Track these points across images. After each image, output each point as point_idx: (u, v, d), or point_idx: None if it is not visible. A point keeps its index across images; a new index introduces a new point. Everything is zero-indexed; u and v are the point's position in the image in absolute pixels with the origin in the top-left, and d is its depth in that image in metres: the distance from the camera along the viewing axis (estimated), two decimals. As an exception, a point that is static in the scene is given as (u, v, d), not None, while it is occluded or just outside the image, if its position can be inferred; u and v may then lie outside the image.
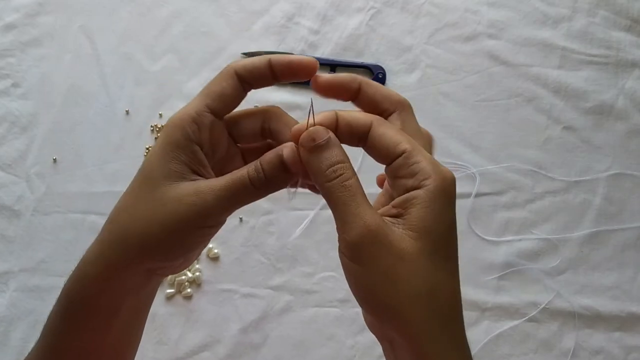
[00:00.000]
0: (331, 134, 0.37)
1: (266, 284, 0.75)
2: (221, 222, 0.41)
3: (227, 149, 0.42)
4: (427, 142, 0.41)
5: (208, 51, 0.82)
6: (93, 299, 0.41)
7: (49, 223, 0.77)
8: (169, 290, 0.73)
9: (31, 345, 0.75)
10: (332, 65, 0.81)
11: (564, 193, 0.78)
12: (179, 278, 0.73)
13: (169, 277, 0.73)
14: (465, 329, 0.76)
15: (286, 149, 0.38)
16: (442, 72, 0.81)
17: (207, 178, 0.39)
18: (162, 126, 0.80)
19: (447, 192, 0.35)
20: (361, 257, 0.35)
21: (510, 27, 0.83)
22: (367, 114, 0.39)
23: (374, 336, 0.77)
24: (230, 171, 0.40)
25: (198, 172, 0.39)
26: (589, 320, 0.74)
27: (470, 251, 0.76)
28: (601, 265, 0.76)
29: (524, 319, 0.74)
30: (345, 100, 0.42)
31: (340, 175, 0.36)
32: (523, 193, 0.78)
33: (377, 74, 0.80)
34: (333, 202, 0.36)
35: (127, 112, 0.80)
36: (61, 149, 0.79)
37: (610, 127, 0.80)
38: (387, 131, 0.37)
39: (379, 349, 0.72)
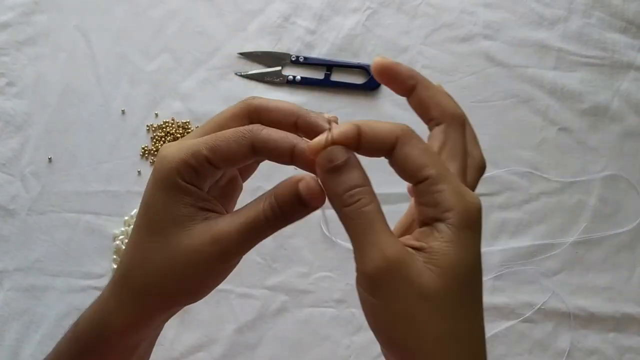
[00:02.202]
0: (351, 155, 0.33)
1: (262, 284, 0.75)
2: (240, 258, 0.38)
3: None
4: (474, 167, 0.38)
5: (203, 51, 0.82)
6: (113, 343, 0.39)
7: (44, 222, 0.77)
8: (164, 291, 0.73)
9: (26, 345, 0.75)
10: (329, 66, 0.81)
11: (559, 194, 0.78)
12: (175, 278, 0.73)
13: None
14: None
15: (302, 182, 0.34)
16: (438, 73, 0.81)
17: (216, 212, 0.36)
18: (157, 126, 0.79)
19: (472, 226, 0.32)
20: (379, 291, 0.32)
21: (506, 28, 0.83)
22: (394, 127, 0.34)
23: (369, 336, 0.77)
24: (232, 189, 0.40)
25: (206, 208, 0.36)
26: (583, 320, 0.74)
27: (465, 252, 0.76)
28: (596, 266, 0.76)
29: (519, 319, 0.74)
30: (397, 93, 0.39)
31: (358, 200, 0.33)
32: (518, 194, 0.78)
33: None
34: (350, 230, 0.33)
35: (123, 111, 0.80)
36: (56, 148, 0.79)
37: (605, 129, 0.80)
38: (412, 151, 0.33)
39: (374, 349, 0.72)
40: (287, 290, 0.74)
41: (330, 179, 0.33)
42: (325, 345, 0.73)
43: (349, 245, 0.73)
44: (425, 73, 0.85)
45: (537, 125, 0.80)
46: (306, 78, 0.81)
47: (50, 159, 0.78)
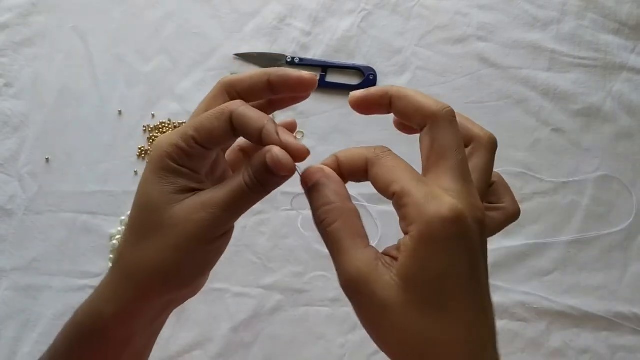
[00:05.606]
0: (321, 176, 0.36)
1: (257, 284, 0.75)
2: (229, 231, 0.40)
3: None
4: (482, 145, 0.40)
5: (200, 52, 0.82)
6: (108, 333, 0.39)
7: (41, 222, 0.77)
8: (160, 290, 0.74)
9: (23, 344, 0.75)
10: (324, 67, 0.81)
11: (552, 194, 0.79)
12: (171, 278, 0.73)
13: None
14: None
15: (269, 153, 0.35)
16: (432, 74, 0.82)
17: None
18: (154, 127, 0.80)
19: (435, 237, 0.32)
20: (351, 301, 0.34)
21: (500, 29, 0.84)
22: (365, 149, 0.36)
23: (364, 335, 0.77)
24: (221, 169, 0.41)
25: (196, 189, 0.38)
26: (576, 320, 0.75)
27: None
28: (588, 265, 0.77)
29: (512, 318, 0.75)
30: (382, 113, 0.39)
31: (324, 220, 0.35)
32: (512, 194, 0.79)
33: (368, 75, 0.81)
34: (325, 243, 0.35)
35: (120, 112, 0.80)
36: (53, 148, 0.79)
37: (598, 129, 0.81)
38: (380, 171, 0.35)
39: (368, 347, 0.73)
40: (282, 289, 0.75)
41: (310, 196, 0.36)
42: (320, 344, 0.73)
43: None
44: (419, 74, 0.86)
45: (531, 126, 0.81)
46: (302, 79, 0.81)
47: (47, 159, 0.78)
